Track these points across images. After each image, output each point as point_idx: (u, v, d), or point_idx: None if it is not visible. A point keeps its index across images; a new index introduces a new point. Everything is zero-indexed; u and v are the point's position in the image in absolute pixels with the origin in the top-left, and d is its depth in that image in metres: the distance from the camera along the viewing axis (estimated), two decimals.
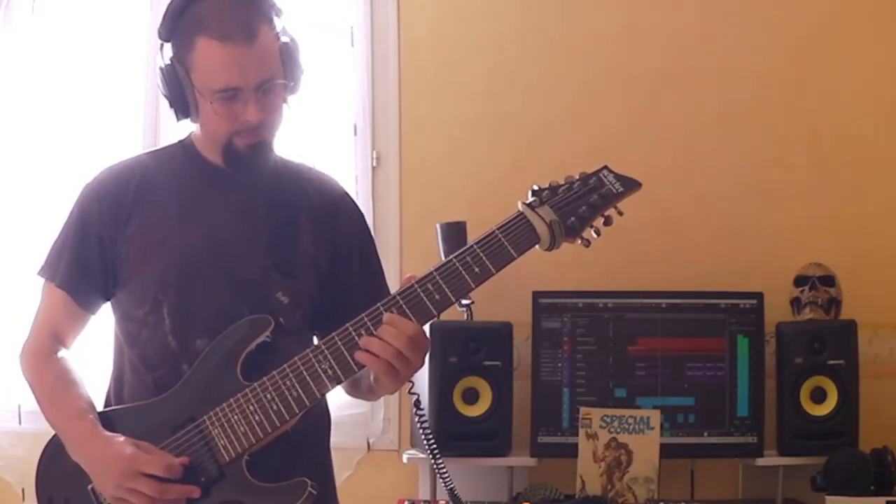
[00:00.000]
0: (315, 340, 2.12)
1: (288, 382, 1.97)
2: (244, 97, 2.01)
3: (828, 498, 3.14)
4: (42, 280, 2.16)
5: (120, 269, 2.10)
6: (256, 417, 1.97)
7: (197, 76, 2.02)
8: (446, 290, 1.94)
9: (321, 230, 2.15)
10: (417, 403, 2.14)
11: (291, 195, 2.16)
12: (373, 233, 2.32)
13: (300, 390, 1.97)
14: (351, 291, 2.16)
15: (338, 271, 2.16)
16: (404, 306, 1.95)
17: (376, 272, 2.25)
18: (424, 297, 1.95)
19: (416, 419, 2.16)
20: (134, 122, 3.76)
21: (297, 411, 1.97)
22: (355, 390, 2.19)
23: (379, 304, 1.96)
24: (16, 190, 3.81)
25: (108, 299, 2.15)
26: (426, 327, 1.97)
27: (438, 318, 2.01)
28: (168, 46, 2.06)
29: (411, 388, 2.08)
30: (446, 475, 2.28)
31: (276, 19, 2.06)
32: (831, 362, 3.25)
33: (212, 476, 1.98)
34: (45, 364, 2.11)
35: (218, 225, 2.10)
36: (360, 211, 2.27)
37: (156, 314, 2.07)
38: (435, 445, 2.24)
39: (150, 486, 1.94)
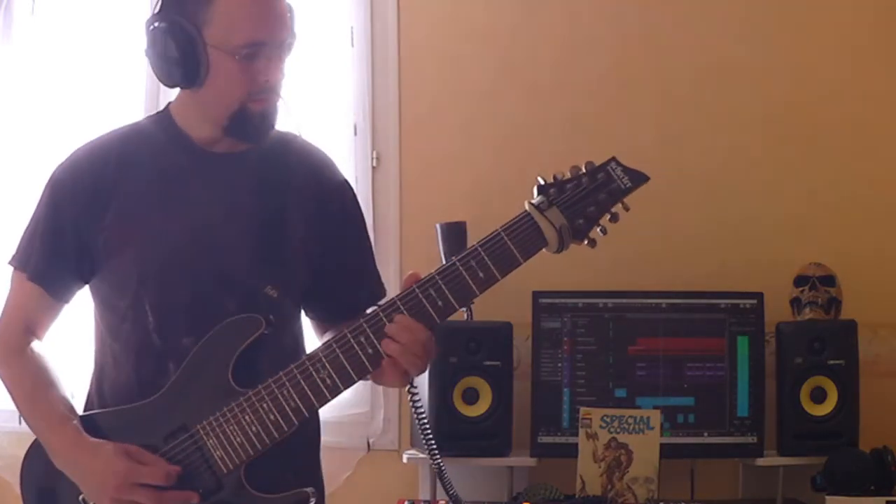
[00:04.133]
0: (303, 315, 2.09)
1: (285, 392, 1.89)
2: (267, 54, 1.90)
3: (828, 498, 3.14)
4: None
5: (97, 257, 1.99)
6: (254, 429, 1.89)
7: (214, 32, 1.89)
8: (449, 296, 1.85)
9: (310, 210, 2.05)
10: (416, 401, 2.09)
11: (279, 174, 2.04)
12: (372, 233, 2.31)
13: (298, 401, 1.89)
14: (341, 272, 2.09)
15: (328, 251, 2.06)
16: (405, 312, 1.86)
17: (366, 251, 2.16)
18: (426, 303, 1.86)
19: (415, 417, 2.13)
20: None
21: (296, 422, 1.90)
22: None
23: (378, 310, 1.89)
24: (14, 191, 3.79)
25: (85, 283, 2.04)
26: None
27: (442, 322, 1.94)
28: (168, 6, 1.93)
29: (411, 387, 2.04)
30: (445, 473, 2.28)
31: None
32: (831, 362, 3.25)
33: (210, 487, 1.91)
34: (19, 361, 2.02)
35: (201, 212, 1.98)
36: (348, 184, 2.17)
37: (137, 309, 1.98)
38: (434, 444, 2.21)
39: (149, 495, 1.88)
